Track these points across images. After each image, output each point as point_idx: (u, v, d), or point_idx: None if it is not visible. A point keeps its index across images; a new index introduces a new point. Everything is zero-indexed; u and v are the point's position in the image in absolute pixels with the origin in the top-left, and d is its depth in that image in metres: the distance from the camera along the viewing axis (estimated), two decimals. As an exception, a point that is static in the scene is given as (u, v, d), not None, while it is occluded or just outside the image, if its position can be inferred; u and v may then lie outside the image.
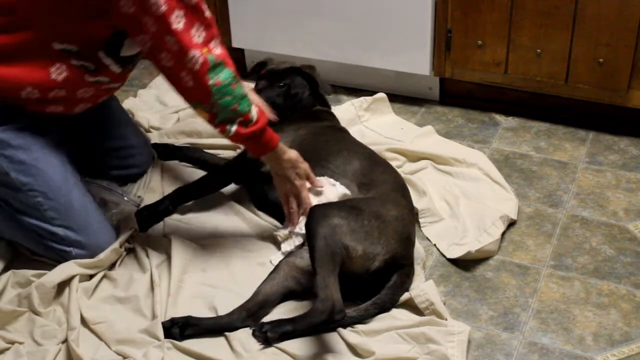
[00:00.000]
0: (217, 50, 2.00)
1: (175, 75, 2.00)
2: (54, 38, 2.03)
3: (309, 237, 1.98)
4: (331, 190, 2.22)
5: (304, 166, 2.20)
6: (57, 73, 2.06)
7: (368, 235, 2.02)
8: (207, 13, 1.99)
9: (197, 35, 1.97)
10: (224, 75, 2.01)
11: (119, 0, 1.93)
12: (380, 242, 2.04)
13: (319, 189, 2.22)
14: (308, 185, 2.22)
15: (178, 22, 1.94)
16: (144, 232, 2.34)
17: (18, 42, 2.02)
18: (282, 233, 2.25)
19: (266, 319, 2.03)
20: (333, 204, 2.12)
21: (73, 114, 2.18)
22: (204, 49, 1.97)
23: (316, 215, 2.01)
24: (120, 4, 1.93)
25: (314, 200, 2.19)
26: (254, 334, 1.95)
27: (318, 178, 2.24)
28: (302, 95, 2.56)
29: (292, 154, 2.18)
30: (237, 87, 2.03)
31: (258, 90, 2.52)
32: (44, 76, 2.06)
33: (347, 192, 2.22)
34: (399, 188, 2.26)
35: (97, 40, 2.06)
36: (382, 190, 2.21)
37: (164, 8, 1.92)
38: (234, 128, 2.06)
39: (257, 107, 2.10)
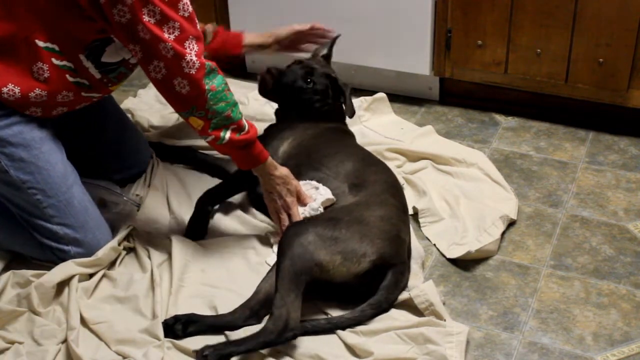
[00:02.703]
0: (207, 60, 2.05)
1: (169, 82, 2.01)
2: (37, 35, 2.03)
3: (278, 256, 1.99)
4: (314, 194, 2.24)
5: (295, 183, 2.23)
6: (39, 72, 2.07)
7: (347, 242, 2.01)
8: (198, 25, 2.03)
9: (189, 47, 2.00)
10: (218, 81, 2.04)
11: (111, 9, 1.94)
12: (363, 244, 2.02)
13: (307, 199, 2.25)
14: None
15: (172, 32, 1.97)
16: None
17: (1, 35, 2.03)
18: (275, 240, 2.28)
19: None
20: (309, 220, 2.12)
21: (50, 117, 2.18)
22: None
23: (289, 235, 2.01)
24: (112, 12, 1.94)
25: (300, 209, 2.23)
26: (196, 357, 1.91)
27: (300, 182, 2.26)
28: (319, 102, 2.51)
29: (284, 170, 2.22)
30: (229, 94, 2.07)
31: (283, 71, 2.51)
32: (26, 74, 2.06)
33: (331, 196, 2.23)
34: (390, 188, 2.26)
35: (80, 43, 2.06)
36: (373, 190, 2.21)
37: (158, 17, 1.94)
38: (227, 135, 2.08)
39: (246, 120, 2.13)
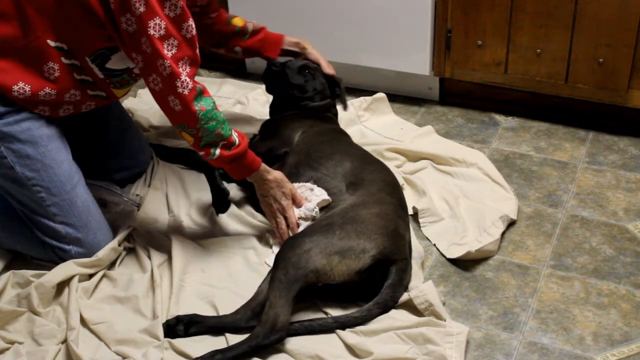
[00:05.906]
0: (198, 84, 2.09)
1: (164, 97, 2.06)
2: (48, 35, 2.06)
3: (272, 268, 2.01)
4: (310, 195, 2.25)
5: (289, 186, 2.25)
6: (50, 72, 2.09)
7: (343, 241, 2.02)
8: (198, 50, 2.07)
9: (182, 67, 2.03)
10: (206, 101, 2.08)
11: (120, 16, 1.98)
12: (361, 241, 2.03)
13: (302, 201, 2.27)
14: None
15: (170, 49, 2.00)
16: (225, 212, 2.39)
17: (14, 35, 2.05)
18: (275, 240, 2.29)
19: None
20: (305, 230, 2.13)
21: (57, 117, 2.19)
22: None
23: (284, 247, 2.04)
24: (121, 20, 1.98)
25: (296, 211, 2.24)
26: None
27: (295, 184, 2.28)
28: (314, 94, 2.56)
29: (277, 174, 2.24)
30: (218, 112, 2.11)
31: (280, 67, 2.55)
32: (37, 73, 2.08)
33: (326, 196, 2.24)
34: (387, 186, 2.26)
35: (89, 47, 2.09)
36: (369, 190, 2.22)
37: (162, 32, 1.98)
38: (217, 151, 2.12)
39: (237, 132, 2.16)
